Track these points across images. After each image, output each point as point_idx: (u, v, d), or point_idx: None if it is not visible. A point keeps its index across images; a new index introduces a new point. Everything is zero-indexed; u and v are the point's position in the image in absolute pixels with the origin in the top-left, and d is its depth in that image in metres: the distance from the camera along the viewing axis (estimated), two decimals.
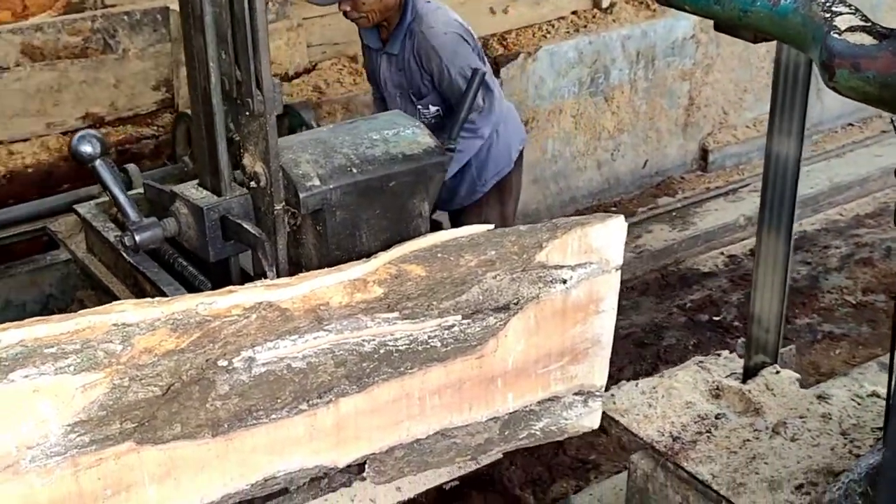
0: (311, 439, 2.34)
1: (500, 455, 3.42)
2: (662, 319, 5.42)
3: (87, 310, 2.07)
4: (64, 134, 4.81)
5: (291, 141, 2.79)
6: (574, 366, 2.71)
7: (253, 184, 2.63)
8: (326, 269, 2.39)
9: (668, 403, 3.20)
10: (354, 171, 2.69)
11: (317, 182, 2.62)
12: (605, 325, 2.71)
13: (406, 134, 2.81)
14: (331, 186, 2.65)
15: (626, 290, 5.62)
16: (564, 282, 2.57)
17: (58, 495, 2.03)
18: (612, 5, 6.43)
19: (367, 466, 2.59)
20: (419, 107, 4.09)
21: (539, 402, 2.71)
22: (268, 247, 2.55)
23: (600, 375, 2.79)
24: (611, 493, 3.73)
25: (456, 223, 3.38)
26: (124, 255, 2.98)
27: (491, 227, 2.56)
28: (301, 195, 2.61)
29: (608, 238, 2.60)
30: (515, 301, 2.52)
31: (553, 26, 6.28)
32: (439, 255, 2.43)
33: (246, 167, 2.63)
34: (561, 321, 2.61)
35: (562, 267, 2.56)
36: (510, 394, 2.63)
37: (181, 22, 2.63)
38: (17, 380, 1.91)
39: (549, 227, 2.56)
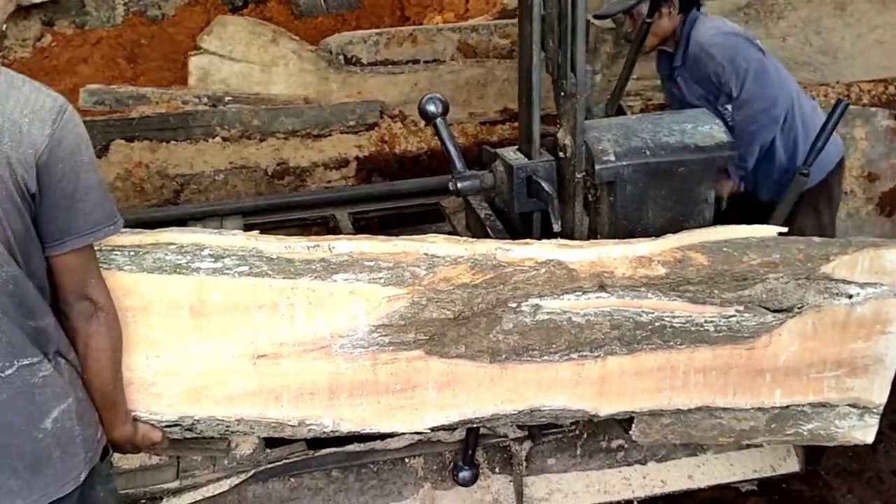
0: (576, 385, 2.64)
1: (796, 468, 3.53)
2: None
3: (405, 237, 2.51)
4: (482, 123, 5.27)
5: (601, 122, 3.11)
6: (851, 378, 2.79)
7: (561, 153, 2.99)
8: (615, 240, 2.68)
9: None
10: (647, 153, 2.94)
11: (612, 158, 2.92)
12: (890, 346, 2.75)
13: (703, 129, 3.01)
14: (623, 163, 2.93)
15: None
16: (850, 297, 2.66)
17: (358, 379, 2.50)
18: None
19: (634, 425, 2.86)
20: (724, 109, 3.85)
21: (810, 405, 2.83)
22: (556, 203, 2.92)
23: (880, 394, 2.83)
24: None
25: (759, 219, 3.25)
26: (490, 232, 3.36)
27: (783, 229, 2.70)
28: (597, 167, 2.92)
29: None
30: (799, 306, 2.66)
31: None
32: (724, 248, 2.62)
33: (558, 139, 2.99)
34: (841, 333, 2.71)
35: (849, 282, 2.66)
36: (778, 390, 2.76)
37: (518, 11, 3.02)
38: (339, 281, 2.40)
39: (842, 242, 2.65)
